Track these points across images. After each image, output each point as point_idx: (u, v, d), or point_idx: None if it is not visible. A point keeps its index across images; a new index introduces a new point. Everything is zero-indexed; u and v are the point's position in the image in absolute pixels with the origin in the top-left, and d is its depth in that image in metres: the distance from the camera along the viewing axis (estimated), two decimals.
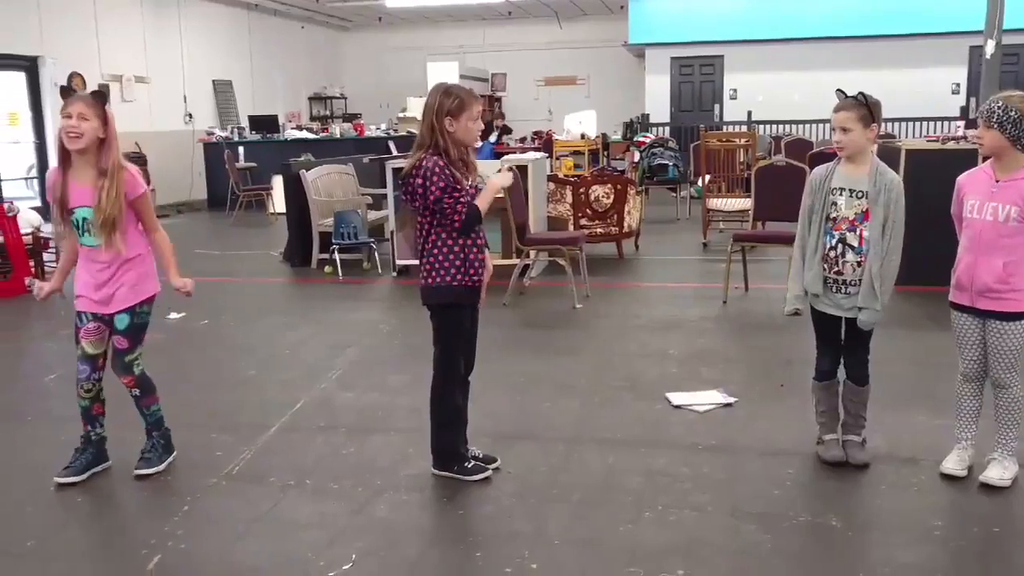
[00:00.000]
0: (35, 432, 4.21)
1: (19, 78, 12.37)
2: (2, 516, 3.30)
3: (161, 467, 3.63)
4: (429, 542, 3.09)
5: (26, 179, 12.91)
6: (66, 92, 3.33)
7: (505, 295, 6.60)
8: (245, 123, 15.66)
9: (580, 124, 14.04)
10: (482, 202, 3.38)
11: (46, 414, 4.47)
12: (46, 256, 8.04)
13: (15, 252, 7.49)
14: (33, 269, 7.70)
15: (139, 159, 13.10)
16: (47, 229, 8.32)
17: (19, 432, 4.22)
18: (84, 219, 3.38)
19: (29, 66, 12.37)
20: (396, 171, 7.55)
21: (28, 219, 8.11)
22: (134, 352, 3.54)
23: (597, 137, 14.49)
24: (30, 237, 7.81)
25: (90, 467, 3.59)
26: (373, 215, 8.82)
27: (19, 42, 11.97)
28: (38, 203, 12.38)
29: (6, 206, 7.62)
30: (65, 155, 3.36)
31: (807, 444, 3.71)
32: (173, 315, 6.44)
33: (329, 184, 8.90)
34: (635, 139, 13.80)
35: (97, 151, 3.34)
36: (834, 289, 3.46)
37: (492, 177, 3.55)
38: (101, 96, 3.38)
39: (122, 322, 3.49)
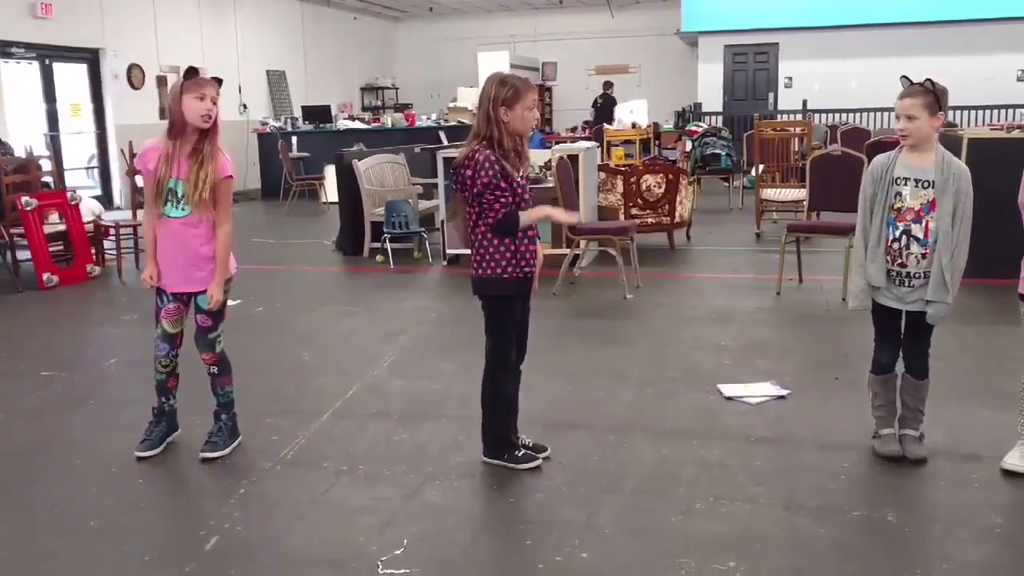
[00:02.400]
0: (98, 415, 4.32)
1: (81, 70, 12.67)
2: (68, 497, 3.39)
3: (227, 451, 3.69)
4: (480, 529, 3.11)
5: (87, 169, 13.23)
6: (192, 73, 3.46)
7: (555, 285, 6.59)
8: (298, 113, 15.85)
9: (631, 113, 13.95)
10: (526, 216, 3.35)
11: (108, 398, 4.59)
12: (106, 244, 8.24)
13: (78, 239, 7.69)
14: (95, 256, 7.89)
15: None
16: (108, 217, 8.52)
17: (82, 415, 4.32)
18: (170, 189, 3.47)
19: (91, 58, 12.67)
20: (447, 161, 7.59)
21: (90, 207, 8.31)
22: (217, 330, 3.66)
23: (648, 126, 14.37)
24: (91, 225, 8.01)
25: (165, 438, 3.73)
26: (424, 204, 8.87)
27: (82, 35, 12.26)
28: (99, 192, 12.72)
29: (69, 195, 7.82)
30: (175, 131, 3.45)
31: (862, 438, 3.65)
32: (229, 302, 6.54)
33: (381, 174, 8.97)
34: (687, 128, 13.66)
35: (199, 131, 3.46)
36: (897, 282, 3.38)
37: (556, 210, 3.61)
38: (220, 82, 3.54)
39: (205, 302, 3.59)
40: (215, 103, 3.45)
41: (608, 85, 18.07)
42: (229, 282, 3.68)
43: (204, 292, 3.58)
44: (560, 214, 3.66)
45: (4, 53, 11.16)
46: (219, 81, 3.53)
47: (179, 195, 3.47)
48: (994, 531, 2.95)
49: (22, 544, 3.04)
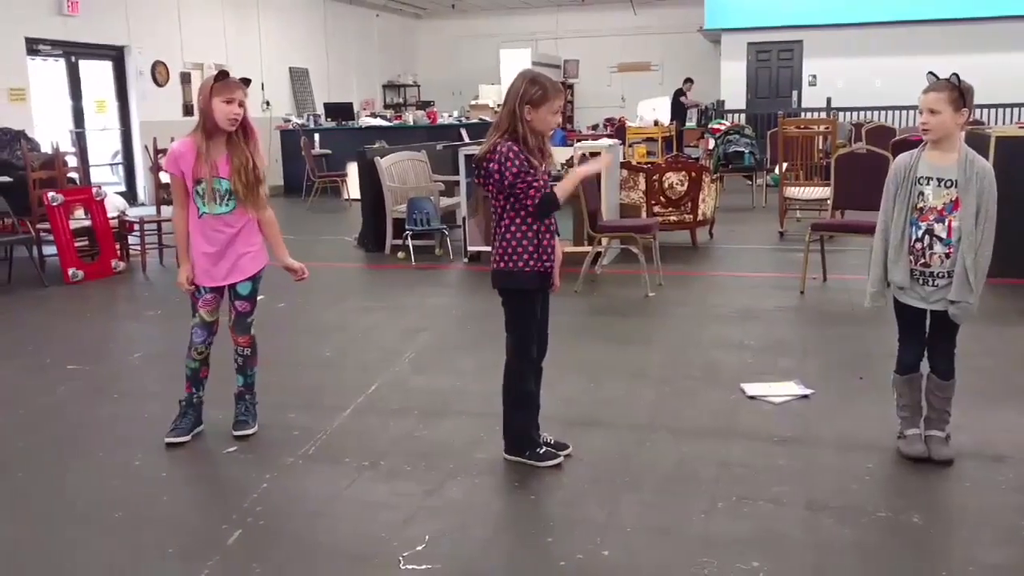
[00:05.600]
0: (121, 408, 4.35)
1: (106, 67, 12.78)
2: (91, 489, 3.43)
3: (256, 428, 3.85)
4: (501, 525, 3.11)
5: (111, 165, 13.34)
6: (222, 75, 3.57)
7: (576, 283, 6.58)
8: (321, 110, 15.90)
9: (654, 111, 13.90)
10: (561, 189, 3.35)
11: (132, 391, 4.63)
12: (131, 239, 8.31)
13: (103, 235, 7.76)
14: (119, 252, 7.96)
15: None
16: (132, 213, 8.59)
17: (106, 408, 4.36)
18: (214, 188, 3.58)
19: (116, 55, 12.78)
20: (468, 158, 7.59)
21: (115, 203, 8.40)
22: (253, 314, 3.83)
23: (671, 124, 14.31)
24: (116, 221, 8.08)
25: (194, 428, 3.83)
26: (445, 201, 8.87)
27: (107, 32, 12.37)
28: (124, 188, 12.83)
29: (94, 190, 7.89)
30: (208, 131, 3.57)
31: (887, 438, 3.62)
32: None
33: (402, 171, 8.99)
34: (710, 126, 13.60)
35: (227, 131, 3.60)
36: (921, 281, 3.35)
37: (584, 167, 3.53)
38: (248, 82, 3.68)
39: (245, 289, 3.77)
40: (243, 106, 3.58)
41: (686, 82, 17.42)
42: (264, 268, 3.84)
43: (245, 280, 3.74)
44: (588, 168, 3.53)
45: (31, 50, 11.27)
46: (247, 81, 3.65)
47: (222, 193, 3.59)
48: (1021, 534, 2.91)
49: (46, 535, 3.07)
